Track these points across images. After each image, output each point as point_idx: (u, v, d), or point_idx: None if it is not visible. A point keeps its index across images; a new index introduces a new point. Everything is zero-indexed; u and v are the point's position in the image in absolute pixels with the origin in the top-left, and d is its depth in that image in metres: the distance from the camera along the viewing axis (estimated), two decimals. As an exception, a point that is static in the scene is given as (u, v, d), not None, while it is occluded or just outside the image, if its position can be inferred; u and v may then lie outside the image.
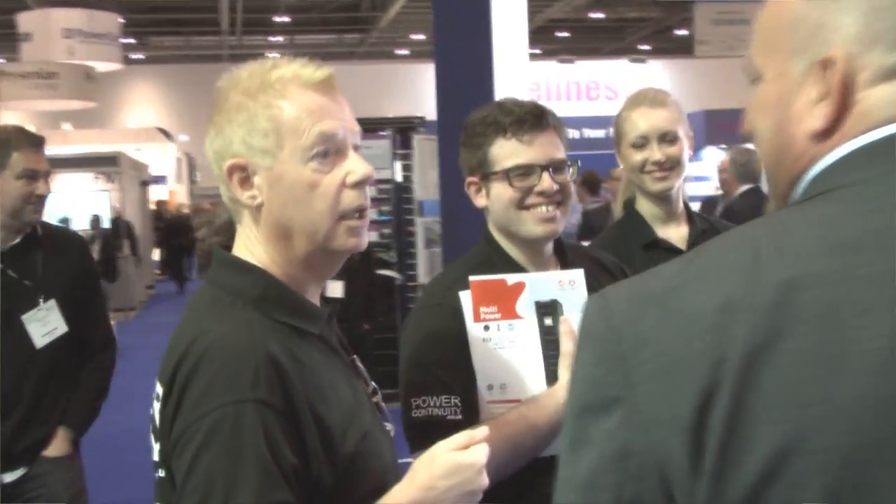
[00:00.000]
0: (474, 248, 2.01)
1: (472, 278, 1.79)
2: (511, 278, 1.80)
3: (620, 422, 0.80)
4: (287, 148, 1.34)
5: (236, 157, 1.35)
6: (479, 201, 1.92)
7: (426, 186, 6.52)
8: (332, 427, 1.29)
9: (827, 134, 0.84)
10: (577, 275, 1.83)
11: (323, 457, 1.27)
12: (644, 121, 2.44)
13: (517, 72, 4.24)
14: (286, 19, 22.01)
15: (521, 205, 1.85)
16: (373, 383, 1.50)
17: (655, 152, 2.42)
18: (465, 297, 1.79)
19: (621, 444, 0.79)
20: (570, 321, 1.78)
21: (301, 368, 1.29)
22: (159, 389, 1.32)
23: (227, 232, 2.99)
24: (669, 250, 2.44)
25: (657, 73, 22.94)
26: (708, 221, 2.61)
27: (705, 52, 16.99)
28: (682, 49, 21.32)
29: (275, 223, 1.36)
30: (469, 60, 4.27)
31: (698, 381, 0.77)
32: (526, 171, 1.84)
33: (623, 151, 2.48)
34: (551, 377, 1.78)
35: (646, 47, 25.69)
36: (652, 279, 0.85)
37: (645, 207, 2.51)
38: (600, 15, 22.58)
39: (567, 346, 1.76)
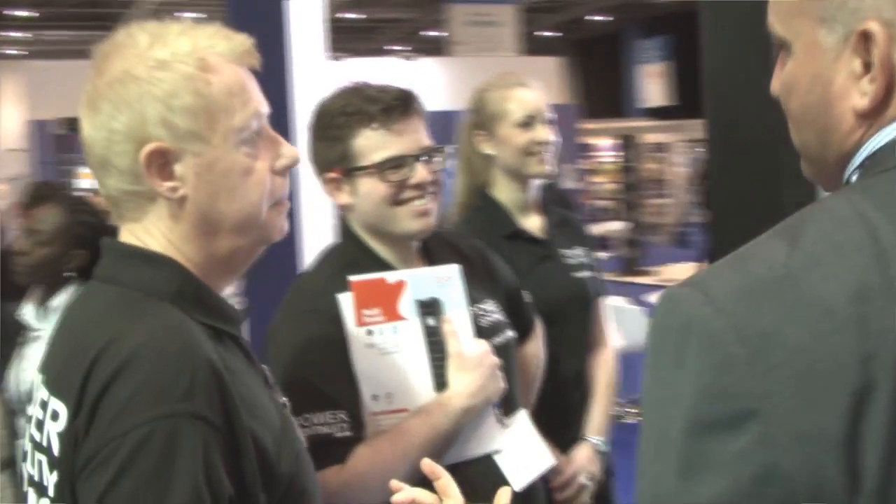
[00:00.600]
0: (334, 247, 1.89)
1: (352, 278, 1.67)
2: (391, 276, 1.70)
3: (757, 439, 0.69)
4: (219, 130, 1.17)
5: (155, 140, 1.14)
6: (341, 199, 1.79)
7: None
8: (268, 447, 1.14)
9: (877, 111, 0.79)
10: (453, 270, 1.77)
11: (261, 483, 1.11)
12: (529, 100, 2.36)
13: (315, 70, 4.13)
14: (30, 14, 20.64)
15: (394, 200, 1.74)
16: (283, 397, 1.35)
17: (543, 132, 2.35)
18: (345, 300, 1.67)
19: (760, 466, 0.69)
20: (453, 320, 1.72)
21: (233, 378, 1.12)
22: (57, 405, 1.10)
23: (60, 241, 2.70)
24: (531, 241, 2.41)
25: (431, 70, 23.22)
26: (562, 212, 2.57)
27: (461, 52, 17.35)
28: (433, 50, 21.68)
29: (201, 217, 1.18)
30: (264, 58, 4.12)
31: (848, 383, 0.67)
32: (398, 162, 1.73)
33: (502, 133, 2.38)
34: (439, 382, 1.69)
35: (398, 48, 25.96)
36: (752, 265, 0.74)
37: (505, 195, 2.42)
38: (357, 15, 22.61)
39: (453, 347, 1.70)
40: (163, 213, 1.18)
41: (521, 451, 1.76)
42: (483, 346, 1.72)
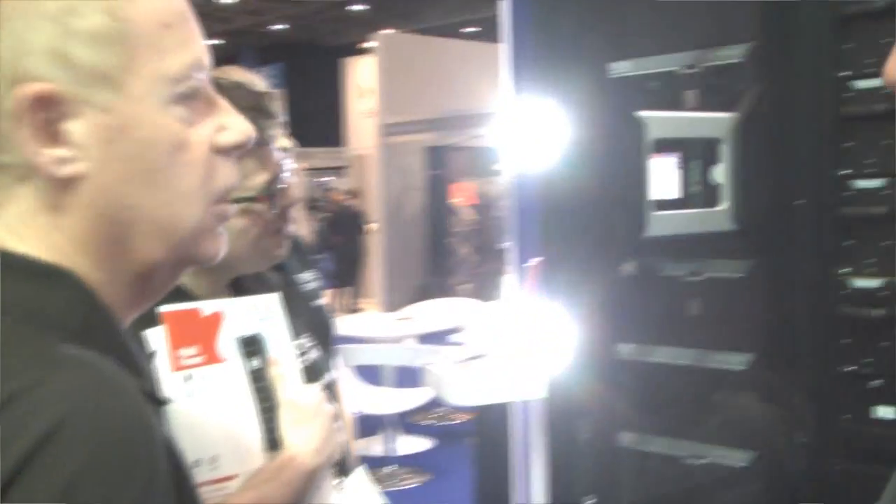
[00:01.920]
0: None
1: (162, 309, 1.24)
2: (206, 307, 1.29)
3: None
4: (142, 75, 0.75)
5: (37, 80, 0.71)
6: None
7: None
8: None
9: None
10: (273, 301, 1.39)
11: None
12: None
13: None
14: None
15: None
16: None
17: None
18: (156, 338, 1.24)
19: None
20: (280, 361, 1.35)
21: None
22: None
23: None
24: (272, 267, 2.07)
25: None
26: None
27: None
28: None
29: (105, 211, 0.76)
30: None
31: None
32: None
33: None
34: (270, 438, 1.30)
35: None
36: None
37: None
38: None
39: (284, 394, 1.32)
40: (40, 201, 0.75)
41: None
42: (316, 391, 1.38)
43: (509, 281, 3.90)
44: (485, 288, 10.48)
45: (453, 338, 6.41)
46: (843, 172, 1.93)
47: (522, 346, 3.25)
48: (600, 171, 2.02)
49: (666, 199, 2.02)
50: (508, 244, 3.89)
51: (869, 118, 1.90)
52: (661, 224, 1.90)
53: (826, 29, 1.92)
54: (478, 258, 11.70)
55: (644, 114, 1.83)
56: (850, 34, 1.90)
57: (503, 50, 3.52)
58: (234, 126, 0.83)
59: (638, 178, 1.86)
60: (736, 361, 2.11)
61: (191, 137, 0.79)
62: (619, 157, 1.91)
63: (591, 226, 2.13)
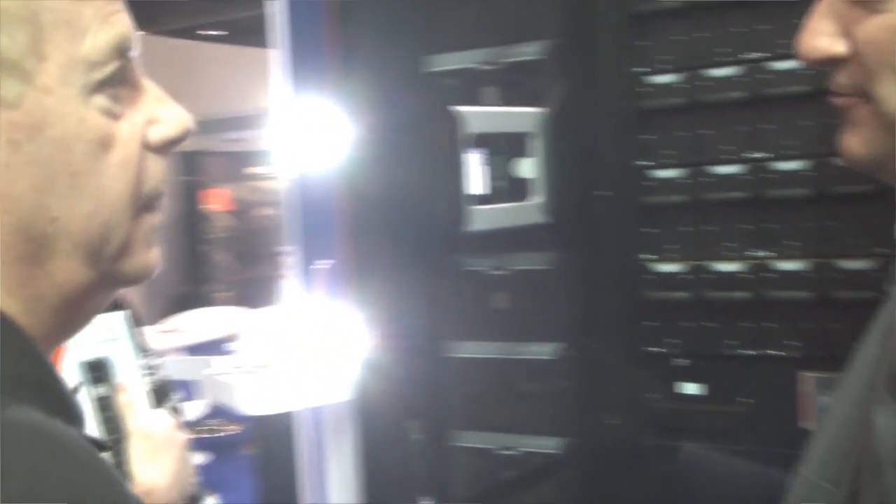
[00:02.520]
0: None
1: None
2: None
3: None
4: (54, 60, 0.63)
5: None
6: None
7: None
8: None
9: None
10: (119, 319, 1.29)
11: None
12: None
13: None
14: None
15: None
16: None
17: None
18: None
19: None
20: (129, 385, 1.25)
21: None
22: None
23: None
24: None
25: None
26: None
27: None
28: None
29: (18, 226, 0.64)
30: None
31: None
32: None
33: None
34: (119, 473, 1.20)
35: None
36: None
37: None
38: None
39: (133, 424, 1.23)
40: None
41: None
42: (167, 419, 1.29)
43: (290, 286, 3.82)
44: (248, 295, 10.26)
45: (230, 347, 6.23)
46: (642, 163, 2.03)
47: (314, 350, 3.20)
48: (412, 168, 2.02)
49: (476, 194, 2.04)
50: (289, 248, 3.81)
51: (665, 112, 2.00)
52: (478, 218, 1.92)
53: (622, 27, 2.01)
54: (238, 265, 11.45)
55: (460, 108, 1.85)
56: (645, 32, 1.99)
57: (280, 50, 3.45)
58: (170, 117, 0.71)
59: (455, 173, 1.88)
60: (547, 351, 2.17)
61: (117, 132, 0.67)
62: (435, 153, 1.92)
63: (402, 223, 2.12)
